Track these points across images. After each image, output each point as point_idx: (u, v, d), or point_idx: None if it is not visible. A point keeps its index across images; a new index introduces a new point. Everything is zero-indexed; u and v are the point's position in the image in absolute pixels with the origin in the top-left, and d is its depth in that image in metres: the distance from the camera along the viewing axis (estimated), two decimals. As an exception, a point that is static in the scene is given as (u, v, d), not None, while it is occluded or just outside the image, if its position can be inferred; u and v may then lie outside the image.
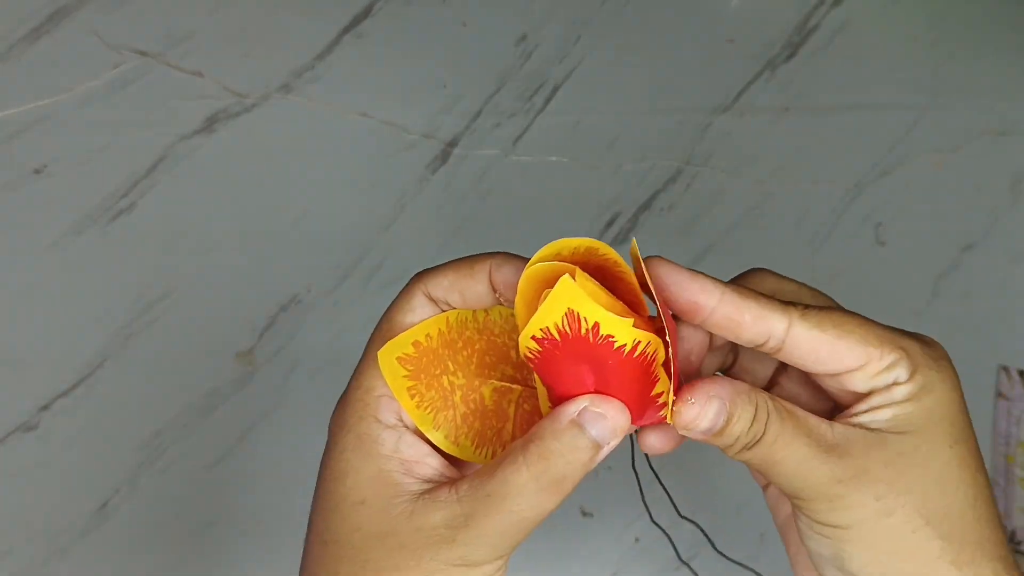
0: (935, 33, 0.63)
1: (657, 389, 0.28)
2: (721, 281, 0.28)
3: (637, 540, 0.49)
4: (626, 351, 0.26)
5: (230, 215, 0.55)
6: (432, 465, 0.28)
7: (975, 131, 0.59)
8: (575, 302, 0.25)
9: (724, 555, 0.43)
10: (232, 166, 0.57)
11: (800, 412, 0.28)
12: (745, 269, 0.34)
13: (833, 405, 0.30)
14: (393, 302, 0.30)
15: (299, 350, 0.52)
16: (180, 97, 0.58)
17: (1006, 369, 0.53)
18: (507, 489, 0.27)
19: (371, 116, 0.58)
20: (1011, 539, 0.49)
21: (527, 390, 0.30)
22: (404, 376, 0.29)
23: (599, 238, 0.56)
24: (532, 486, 0.27)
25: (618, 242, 0.56)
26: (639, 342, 0.26)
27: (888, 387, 0.28)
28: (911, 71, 0.61)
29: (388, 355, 0.29)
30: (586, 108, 0.59)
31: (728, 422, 0.27)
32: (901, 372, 0.28)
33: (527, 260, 0.28)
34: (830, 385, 0.29)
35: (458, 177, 0.57)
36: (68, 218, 0.55)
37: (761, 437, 0.27)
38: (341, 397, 0.30)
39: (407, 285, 0.31)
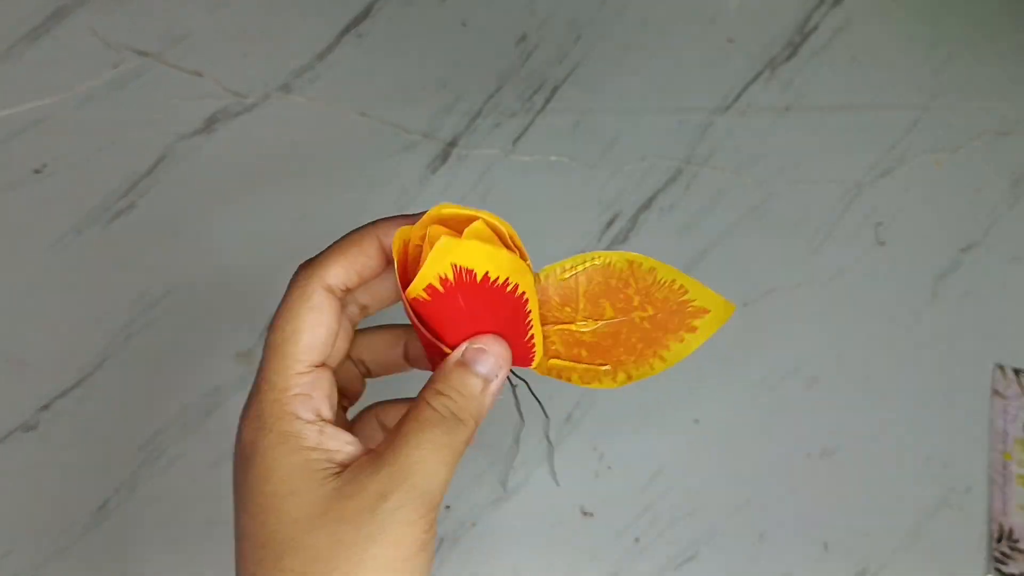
0: (935, 33, 0.63)
1: (529, 334, 0.31)
2: None
3: (637, 540, 0.49)
4: (508, 288, 0.29)
5: (230, 215, 0.55)
6: (351, 452, 0.29)
7: (975, 131, 0.59)
8: (458, 257, 0.28)
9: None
10: (232, 166, 0.57)
11: None
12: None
13: None
14: (285, 302, 0.31)
15: (299, 350, 0.52)
16: (180, 97, 0.58)
17: (1002, 368, 0.53)
18: (420, 424, 0.28)
19: (371, 116, 0.58)
20: (1008, 537, 0.49)
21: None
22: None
23: (599, 238, 0.56)
24: (439, 419, 0.29)
25: (618, 242, 0.56)
26: (516, 282, 0.30)
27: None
28: (911, 71, 0.61)
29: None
30: (586, 108, 0.59)
31: None
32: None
33: (409, 216, 0.31)
34: None
35: (458, 177, 0.57)
36: (68, 218, 0.55)
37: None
38: (249, 402, 0.30)
39: (296, 280, 0.31)
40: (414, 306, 0.30)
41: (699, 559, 0.49)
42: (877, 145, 0.59)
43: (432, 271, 0.29)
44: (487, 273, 0.29)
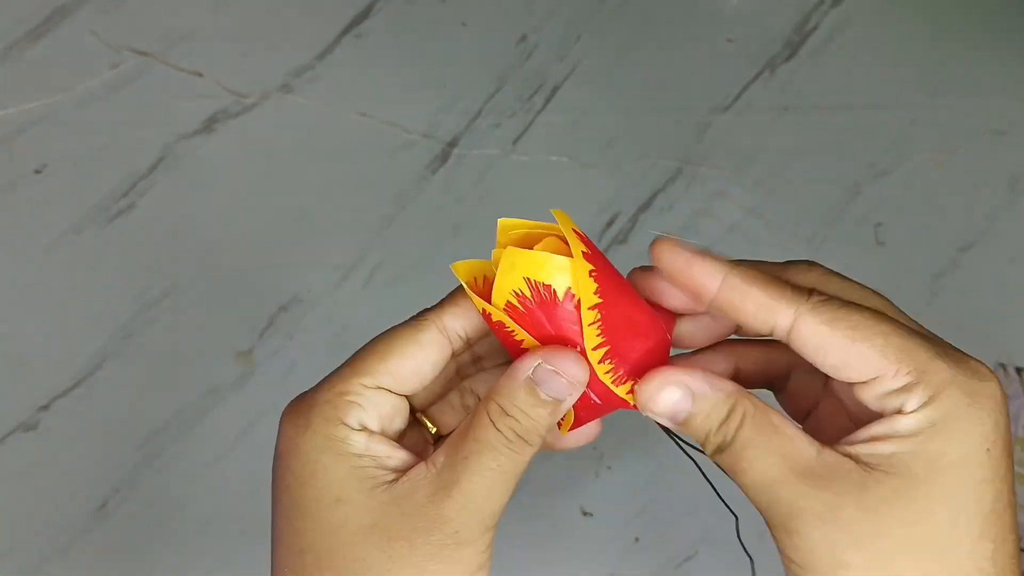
0: (934, 33, 0.63)
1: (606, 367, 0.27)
2: (727, 262, 0.26)
3: (637, 540, 0.49)
4: (575, 300, 0.26)
5: (230, 215, 0.55)
6: (400, 457, 0.28)
7: (974, 131, 0.60)
8: (528, 270, 0.26)
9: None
10: (232, 166, 0.57)
11: (788, 429, 0.25)
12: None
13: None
14: (396, 327, 0.29)
15: (299, 350, 0.52)
16: (180, 97, 0.58)
17: (1003, 366, 0.53)
18: (481, 446, 0.26)
19: (371, 116, 0.58)
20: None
21: None
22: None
23: (599, 238, 0.56)
24: (502, 441, 0.26)
25: (617, 242, 0.56)
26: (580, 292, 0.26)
27: (892, 415, 0.24)
28: (910, 71, 0.62)
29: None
30: (586, 108, 0.59)
31: (692, 416, 0.26)
32: (911, 400, 0.24)
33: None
34: (849, 391, 0.26)
35: (458, 177, 0.57)
36: (68, 218, 0.55)
37: (730, 442, 0.26)
38: (300, 400, 0.29)
39: (417, 315, 0.29)
40: (498, 332, 0.28)
41: (699, 559, 0.49)
42: (876, 145, 0.59)
43: (505, 286, 0.26)
44: (569, 290, 0.26)
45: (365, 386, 0.28)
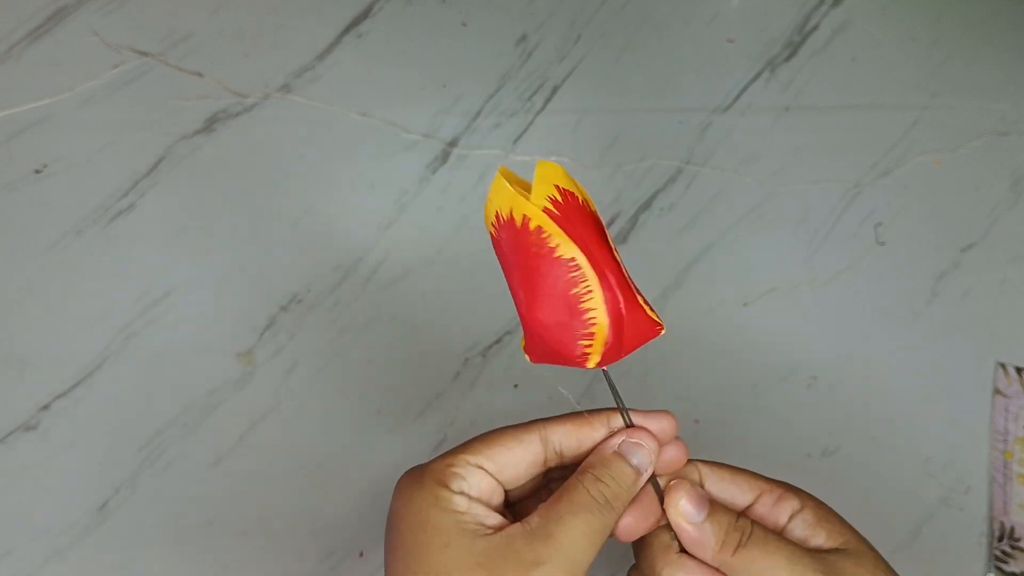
0: (935, 33, 0.63)
1: (587, 321, 0.31)
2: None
3: (637, 540, 0.49)
4: (550, 245, 0.30)
5: (230, 215, 0.55)
6: (497, 519, 0.33)
7: (975, 131, 0.59)
8: (504, 199, 0.31)
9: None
10: (232, 166, 0.57)
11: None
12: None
13: None
14: (512, 428, 0.35)
15: (299, 350, 0.52)
16: (180, 97, 0.58)
17: (1003, 366, 0.53)
18: (575, 507, 0.32)
19: (371, 116, 0.58)
20: (1010, 536, 0.49)
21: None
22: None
23: (599, 238, 0.56)
24: (595, 504, 0.32)
25: (618, 241, 0.56)
26: (552, 235, 0.30)
27: (792, 518, 0.35)
28: (911, 71, 0.61)
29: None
30: (586, 108, 0.59)
31: (710, 514, 0.34)
32: (793, 503, 0.35)
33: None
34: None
35: (458, 177, 0.57)
36: (68, 218, 0.55)
37: (751, 534, 0.33)
38: (415, 469, 0.34)
39: (534, 422, 0.36)
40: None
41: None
42: (877, 145, 0.59)
43: (489, 211, 0.31)
44: (526, 218, 0.30)
45: (468, 462, 0.34)
